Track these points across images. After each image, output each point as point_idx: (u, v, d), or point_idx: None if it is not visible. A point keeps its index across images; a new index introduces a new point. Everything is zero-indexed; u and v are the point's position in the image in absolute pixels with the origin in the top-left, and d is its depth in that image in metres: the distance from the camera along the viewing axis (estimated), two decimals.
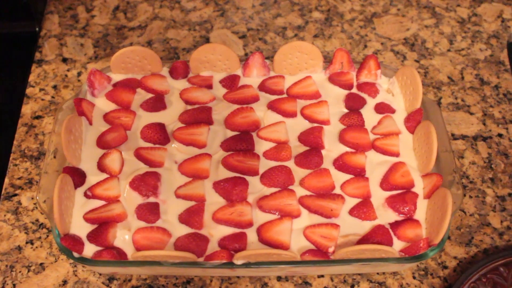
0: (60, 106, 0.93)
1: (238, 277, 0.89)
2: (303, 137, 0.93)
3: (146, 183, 0.86)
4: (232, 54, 1.00)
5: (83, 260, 0.79)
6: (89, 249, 0.81)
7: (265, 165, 0.89)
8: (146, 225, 0.83)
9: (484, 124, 1.09)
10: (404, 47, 1.23)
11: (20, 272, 0.90)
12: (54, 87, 1.15)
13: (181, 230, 0.83)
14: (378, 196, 0.87)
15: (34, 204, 0.97)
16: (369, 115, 0.96)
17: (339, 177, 0.88)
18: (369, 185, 0.87)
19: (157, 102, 0.97)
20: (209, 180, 0.88)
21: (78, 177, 0.87)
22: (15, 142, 1.06)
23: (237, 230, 0.83)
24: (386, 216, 0.85)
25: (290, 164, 0.90)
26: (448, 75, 1.18)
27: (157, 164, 0.89)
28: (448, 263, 0.91)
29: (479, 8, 1.32)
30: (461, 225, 0.96)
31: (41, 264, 0.91)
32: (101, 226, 0.82)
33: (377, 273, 0.90)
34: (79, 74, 1.17)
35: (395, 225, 0.84)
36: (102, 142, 0.91)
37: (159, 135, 0.92)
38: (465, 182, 1.01)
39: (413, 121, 0.94)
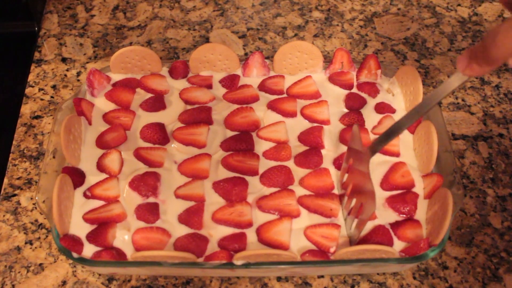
0: (59, 106, 0.93)
1: (238, 277, 0.89)
2: (303, 137, 0.93)
3: (146, 183, 0.85)
4: (232, 54, 1.00)
5: (83, 261, 0.79)
6: (89, 250, 0.80)
7: (264, 165, 0.89)
8: (146, 225, 0.83)
9: (484, 124, 1.09)
10: (405, 46, 1.23)
11: (19, 272, 0.90)
12: (54, 87, 1.14)
13: (181, 230, 0.83)
14: (378, 196, 0.86)
15: (33, 204, 0.97)
16: (369, 115, 0.96)
17: None
18: None
19: (157, 102, 0.96)
20: (208, 180, 0.88)
21: (77, 177, 0.87)
22: (14, 142, 1.05)
23: (236, 230, 0.83)
24: (386, 216, 0.85)
25: (290, 164, 0.89)
26: (448, 74, 1.18)
27: (157, 164, 0.89)
28: (449, 263, 0.91)
29: (480, 7, 1.31)
30: (461, 225, 0.95)
31: (40, 264, 0.91)
32: (101, 227, 0.82)
33: (377, 274, 0.89)
34: (78, 74, 1.17)
35: (395, 225, 0.83)
36: (101, 142, 0.91)
37: (158, 135, 0.92)
38: (465, 182, 1.01)
39: None
